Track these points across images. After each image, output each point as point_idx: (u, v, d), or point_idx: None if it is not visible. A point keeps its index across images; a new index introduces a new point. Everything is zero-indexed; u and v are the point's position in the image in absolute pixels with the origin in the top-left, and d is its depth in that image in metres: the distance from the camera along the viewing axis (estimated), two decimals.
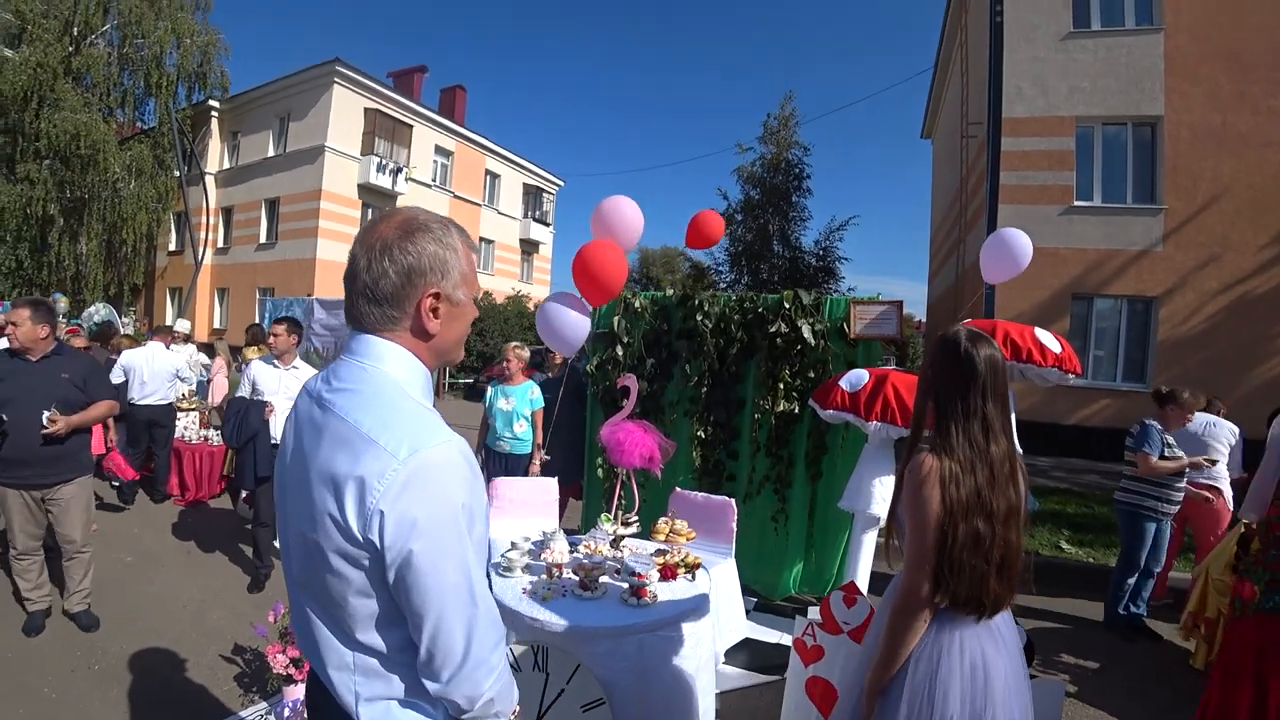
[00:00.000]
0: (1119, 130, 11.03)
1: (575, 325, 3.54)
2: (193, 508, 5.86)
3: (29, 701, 2.83)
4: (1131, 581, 4.13)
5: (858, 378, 3.52)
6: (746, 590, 4.01)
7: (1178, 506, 4.03)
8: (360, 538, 0.88)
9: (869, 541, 3.66)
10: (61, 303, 14.89)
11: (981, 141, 11.86)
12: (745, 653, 3.50)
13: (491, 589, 2.43)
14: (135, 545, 4.85)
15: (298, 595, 1.03)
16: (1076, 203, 10.93)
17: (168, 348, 6.11)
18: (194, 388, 6.56)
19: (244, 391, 4.30)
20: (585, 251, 3.47)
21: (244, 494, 5.26)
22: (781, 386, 4.22)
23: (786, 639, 3.57)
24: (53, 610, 3.55)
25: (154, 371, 5.72)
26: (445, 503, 0.89)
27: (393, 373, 0.98)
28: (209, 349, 7.88)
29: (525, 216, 27.70)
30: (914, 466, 1.52)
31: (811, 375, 4.18)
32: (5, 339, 3.54)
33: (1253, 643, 2.37)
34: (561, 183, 30.20)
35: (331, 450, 0.92)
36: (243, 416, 4.06)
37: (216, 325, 22.00)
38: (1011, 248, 3.77)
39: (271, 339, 4.33)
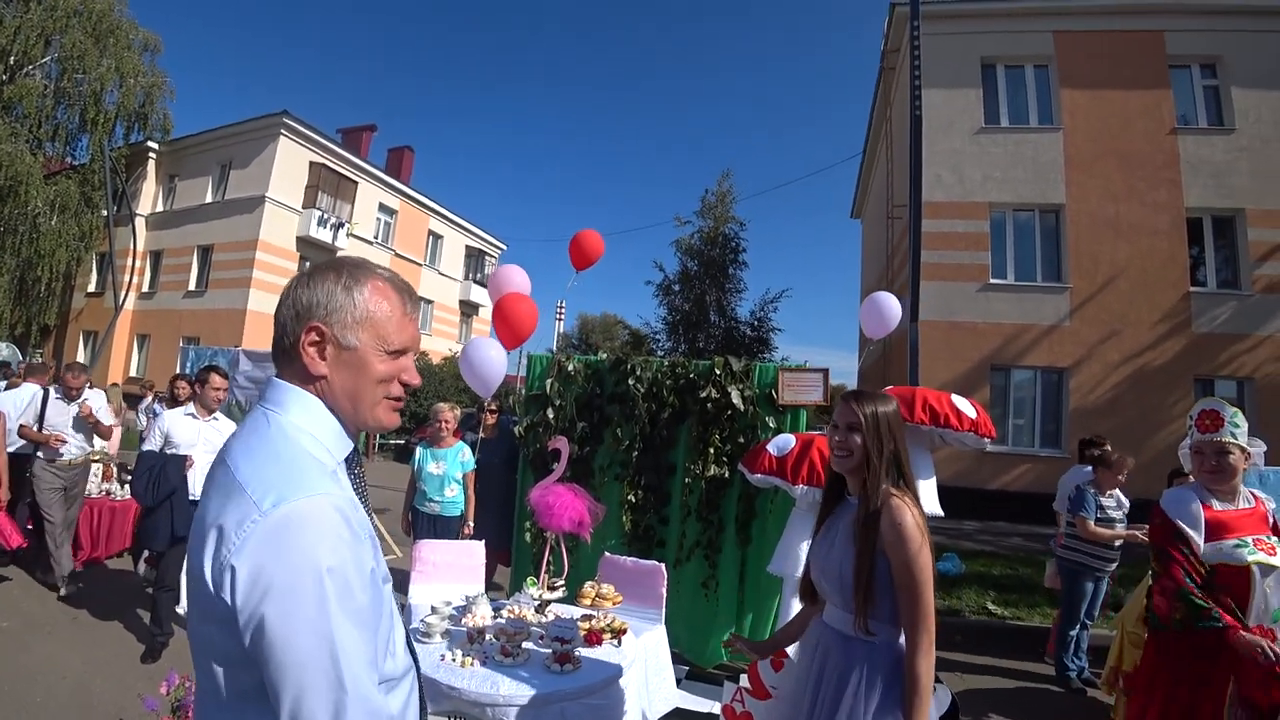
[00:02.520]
0: (1028, 216, 12.06)
1: (494, 365, 4.07)
2: (87, 568, 5.39)
3: None
4: (1074, 633, 4.34)
5: (784, 442, 3.64)
6: (677, 659, 3.95)
7: (1114, 564, 4.31)
8: (214, 594, 0.78)
9: (799, 606, 3.69)
10: None
11: (905, 223, 12.70)
12: None
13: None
14: (14, 609, 4.44)
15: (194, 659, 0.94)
16: (992, 280, 11.77)
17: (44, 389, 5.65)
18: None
19: (153, 444, 4.07)
20: (502, 301, 4.14)
21: (145, 554, 4.91)
22: (712, 451, 4.30)
23: (716, 707, 3.52)
24: None
25: (15, 419, 4.99)
26: (307, 563, 0.77)
27: (291, 418, 0.92)
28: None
29: (466, 278, 27.73)
30: (896, 510, 1.61)
31: (741, 440, 4.28)
32: None
33: (1155, 660, 2.59)
34: (504, 246, 30.48)
35: (213, 495, 0.86)
36: (159, 471, 3.83)
37: (134, 374, 20.77)
38: (881, 309, 4.46)
39: (213, 391, 4.18)
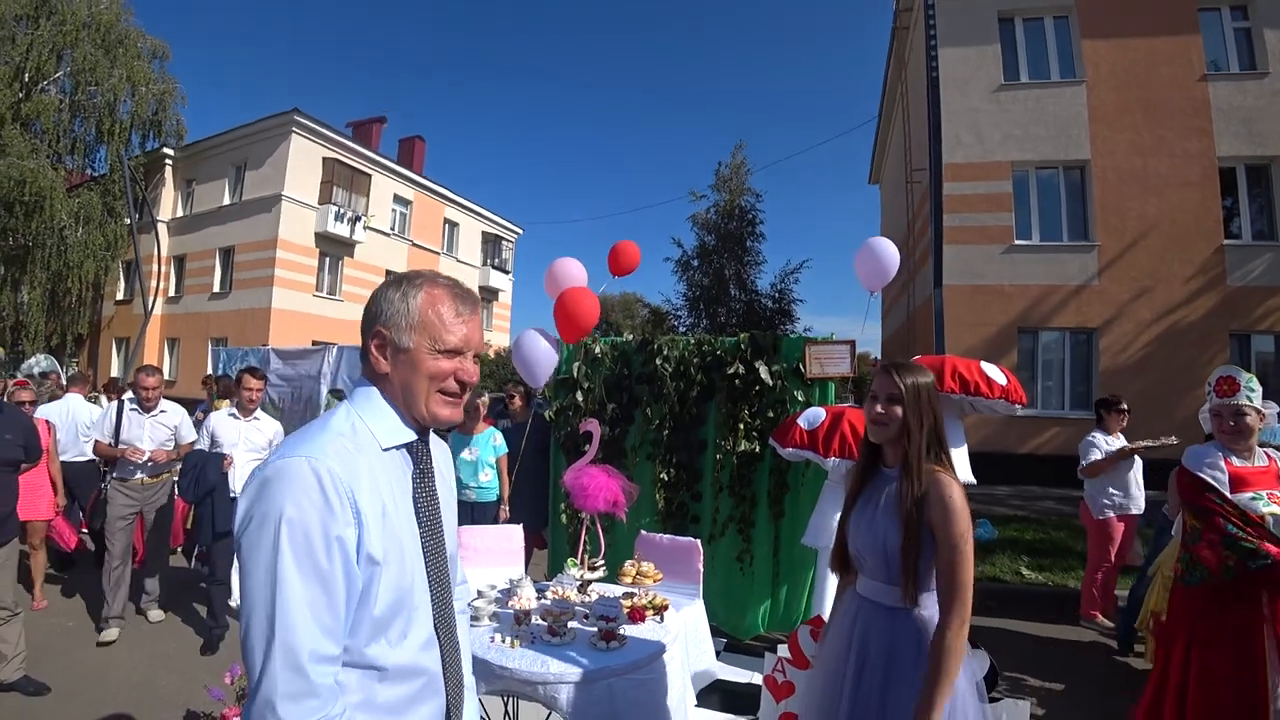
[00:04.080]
0: (1052, 174, 11.76)
1: (548, 356, 3.99)
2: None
3: None
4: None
5: (815, 416, 3.64)
6: (715, 631, 4.01)
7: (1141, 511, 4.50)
8: None
9: (835, 577, 3.72)
10: None
11: (925, 186, 12.48)
12: (717, 693, 3.50)
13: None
14: (78, 608, 4.62)
15: None
16: (1017, 241, 11.53)
17: (86, 398, 5.73)
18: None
19: (203, 444, 4.21)
20: (565, 294, 3.94)
21: (198, 550, 5.07)
22: (742, 427, 4.32)
23: (757, 678, 3.57)
24: None
25: (67, 426, 5.23)
26: (273, 510, 0.90)
27: (354, 407, 1.08)
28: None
29: (484, 264, 27.82)
30: (944, 486, 1.62)
31: (770, 415, 4.29)
32: None
33: (1179, 614, 2.67)
34: (520, 230, 30.49)
35: None
36: (200, 470, 3.96)
37: (167, 377, 21.29)
38: (877, 255, 4.09)
39: (246, 393, 4.28)
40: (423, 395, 1.09)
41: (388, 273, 22.63)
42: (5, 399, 4.29)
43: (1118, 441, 4.63)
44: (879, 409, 1.75)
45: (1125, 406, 4.75)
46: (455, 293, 1.13)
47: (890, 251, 4.06)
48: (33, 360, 14.34)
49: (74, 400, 5.53)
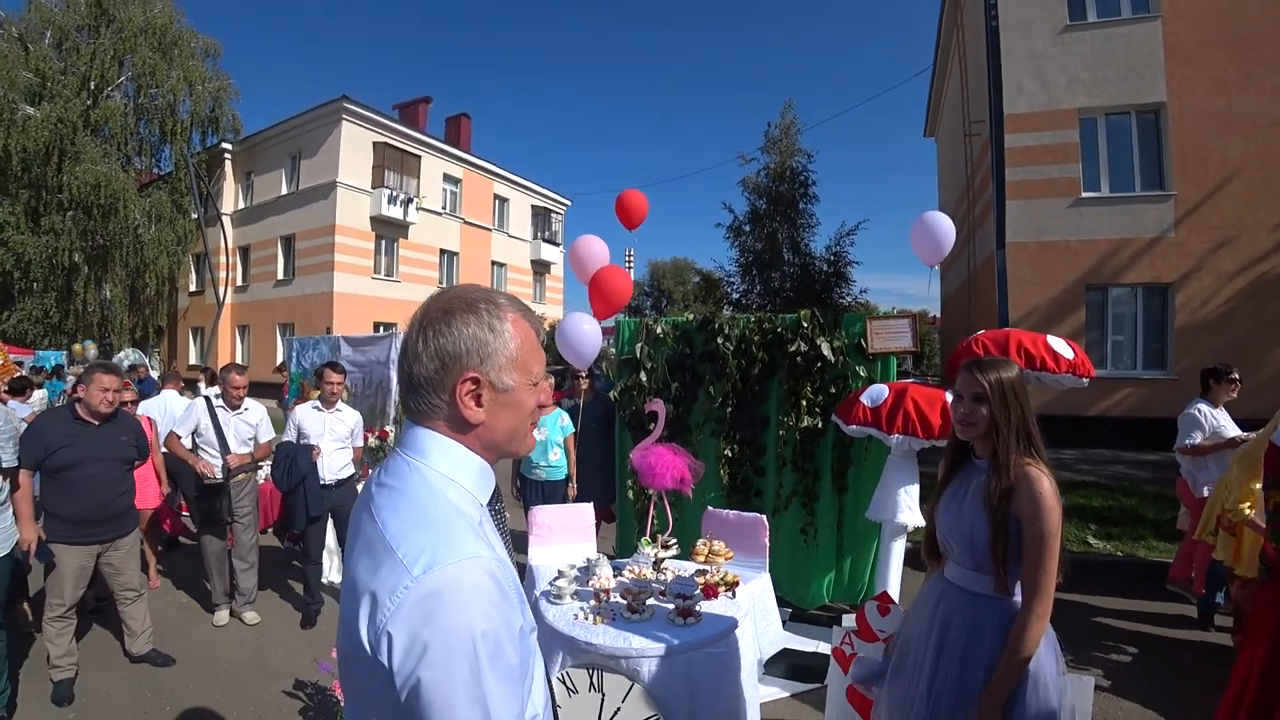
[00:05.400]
0: (1123, 119, 11.08)
1: (590, 338, 4.15)
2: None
3: None
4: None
5: (878, 393, 3.65)
6: (781, 602, 4.12)
7: None
8: (371, 655, 0.81)
9: (898, 549, 3.77)
10: (91, 349, 15.34)
11: (985, 139, 11.93)
12: (784, 663, 3.62)
13: (544, 620, 2.59)
14: (189, 585, 5.04)
15: (344, 683, 0.99)
16: (1084, 194, 10.98)
17: (181, 394, 5.98)
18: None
19: (289, 436, 4.50)
20: (598, 275, 4.14)
21: (288, 532, 5.44)
22: (804, 403, 4.35)
23: (823, 647, 3.68)
24: (79, 674, 3.49)
25: (165, 421, 5.42)
26: (461, 630, 0.79)
27: (436, 467, 0.92)
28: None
29: (535, 238, 28.12)
30: (1034, 481, 1.64)
31: (833, 390, 4.30)
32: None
33: (1270, 604, 2.41)
34: (569, 202, 30.63)
35: (360, 553, 0.89)
36: (292, 460, 4.24)
37: (239, 363, 22.40)
38: (933, 231, 4.02)
39: (327, 386, 4.54)
40: (524, 435, 1.00)
41: (441, 252, 23.15)
42: (75, 393, 4.27)
43: (1222, 415, 4.25)
44: (963, 409, 1.77)
45: (1237, 376, 4.32)
46: (529, 314, 1.00)
47: (946, 226, 4.00)
48: (121, 354, 15.42)
49: (169, 395, 5.94)
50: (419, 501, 0.89)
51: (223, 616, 4.36)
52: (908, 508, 3.62)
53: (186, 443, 4.24)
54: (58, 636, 3.36)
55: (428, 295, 1.04)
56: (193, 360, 22.96)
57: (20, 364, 10.79)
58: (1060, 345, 3.42)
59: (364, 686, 0.86)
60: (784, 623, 4.00)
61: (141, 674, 3.66)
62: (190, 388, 7.87)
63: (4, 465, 3.15)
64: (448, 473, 0.92)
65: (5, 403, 5.74)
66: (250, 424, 4.45)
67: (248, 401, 4.47)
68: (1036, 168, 11.05)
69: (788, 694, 3.39)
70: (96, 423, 3.46)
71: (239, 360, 22.39)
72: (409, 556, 0.81)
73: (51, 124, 17.65)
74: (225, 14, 50.72)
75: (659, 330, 4.86)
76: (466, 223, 24.30)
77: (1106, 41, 10.95)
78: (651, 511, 3.79)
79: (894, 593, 3.66)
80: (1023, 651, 1.61)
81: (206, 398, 4.41)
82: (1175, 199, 10.54)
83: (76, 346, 15.69)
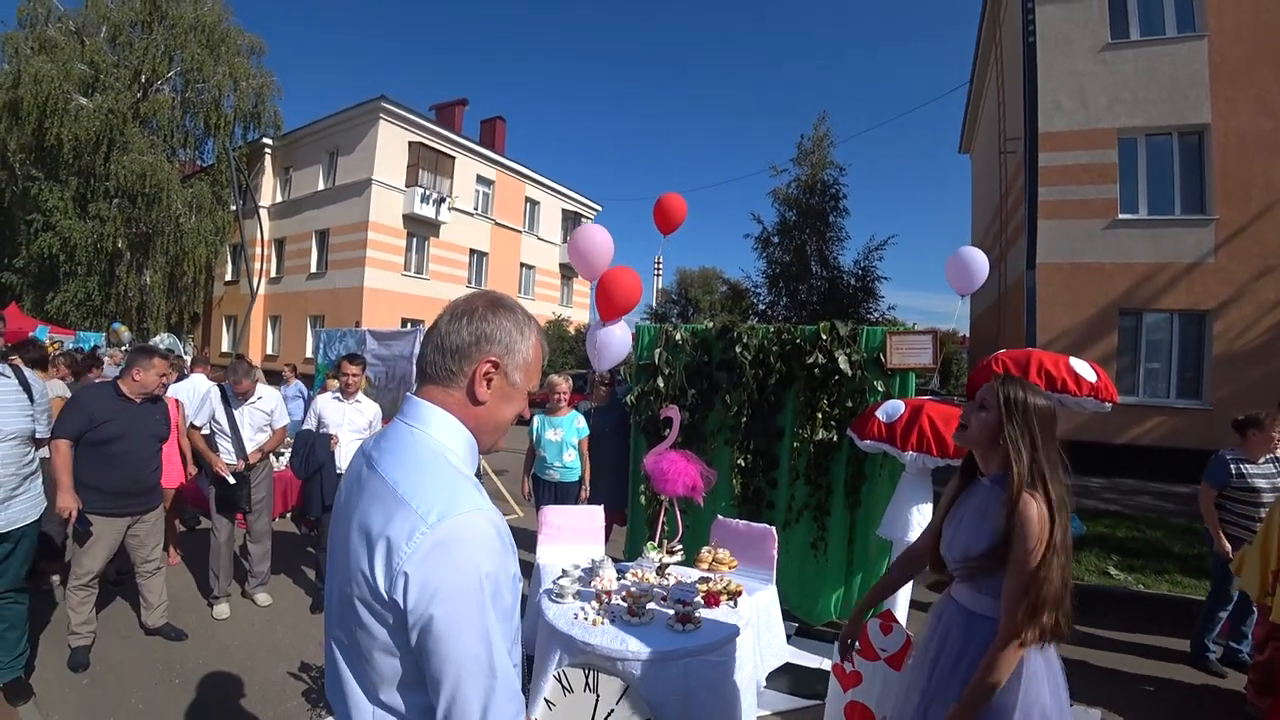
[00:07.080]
0: (1164, 140, 10.81)
1: (620, 344, 4.22)
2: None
3: (121, 713, 3.11)
4: (1223, 614, 3.93)
5: (894, 408, 3.61)
6: (788, 616, 4.08)
7: None
8: (385, 597, 0.90)
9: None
10: (124, 333, 15.80)
11: (1020, 157, 11.73)
12: (786, 677, 3.58)
13: (543, 618, 2.61)
14: (204, 569, 5.14)
15: (331, 642, 1.06)
16: (1121, 215, 10.73)
17: (209, 379, 6.08)
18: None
19: (310, 425, 4.59)
20: (606, 277, 4.20)
21: (305, 519, 5.54)
22: (820, 416, 4.32)
23: (826, 664, 3.63)
24: (95, 642, 3.60)
25: (191, 405, 5.36)
26: (470, 571, 0.89)
27: (436, 436, 1.02)
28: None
29: (564, 241, 28.27)
30: (1025, 507, 1.60)
31: (849, 404, 4.27)
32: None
33: None
34: (599, 207, 30.84)
35: (368, 506, 0.96)
36: (310, 448, 4.34)
37: (269, 352, 22.97)
38: (968, 265, 4.15)
39: (344, 378, 4.61)
40: (502, 433, 1.12)
41: (471, 252, 23.45)
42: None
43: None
44: (964, 411, 1.78)
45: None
46: (544, 337, 1.15)
47: (980, 261, 4.09)
48: (157, 339, 15.86)
49: (198, 379, 6.10)
50: (423, 460, 0.99)
51: (223, 610, 4.28)
52: (919, 527, 3.56)
53: (205, 431, 4.34)
54: (80, 604, 3.48)
55: (456, 294, 1.18)
56: (225, 348, 23.55)
57: (60, 343, 11.15)
58: (1083, 368, 3.35)
59: (369, 631, 0.94)
60: (789, 637, 3.96)
61: (155, 646, 3.77)
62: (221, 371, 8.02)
63: (38, 436, 3.26)
64: (444, 441, 1.02)
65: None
66: (265, 411, 4.47)
67: (260, 389, 4.50)
68: (1073, 187, 10.83)
69: (787, 708, 3.36)
70: (138, 400, 3.61)
71: (269, 350, 22.92)
72: (422, 507, 0.91)
73: (103, 114, 18.25)
74: (270, 10, 52.02)
75: (678, 337, 4.88)
76: (497, 224, 24.58)
77: (1149, 61, 10.71)
78: (662, 517, 3.79)
79: (900, 613, 3.60)
80: (989, 675, 1.58)
81: (221, 387, 4.47)
82: (1216, 223, 10.25)
83: (114, 329, 16.17)
